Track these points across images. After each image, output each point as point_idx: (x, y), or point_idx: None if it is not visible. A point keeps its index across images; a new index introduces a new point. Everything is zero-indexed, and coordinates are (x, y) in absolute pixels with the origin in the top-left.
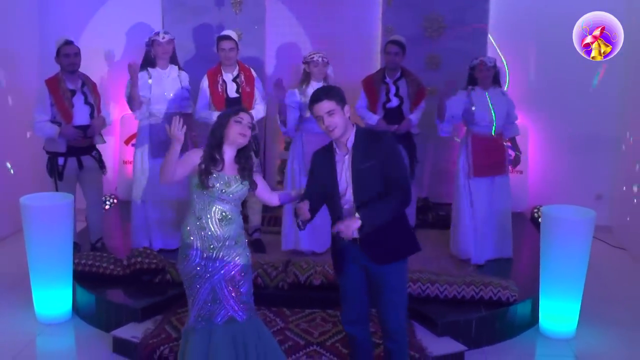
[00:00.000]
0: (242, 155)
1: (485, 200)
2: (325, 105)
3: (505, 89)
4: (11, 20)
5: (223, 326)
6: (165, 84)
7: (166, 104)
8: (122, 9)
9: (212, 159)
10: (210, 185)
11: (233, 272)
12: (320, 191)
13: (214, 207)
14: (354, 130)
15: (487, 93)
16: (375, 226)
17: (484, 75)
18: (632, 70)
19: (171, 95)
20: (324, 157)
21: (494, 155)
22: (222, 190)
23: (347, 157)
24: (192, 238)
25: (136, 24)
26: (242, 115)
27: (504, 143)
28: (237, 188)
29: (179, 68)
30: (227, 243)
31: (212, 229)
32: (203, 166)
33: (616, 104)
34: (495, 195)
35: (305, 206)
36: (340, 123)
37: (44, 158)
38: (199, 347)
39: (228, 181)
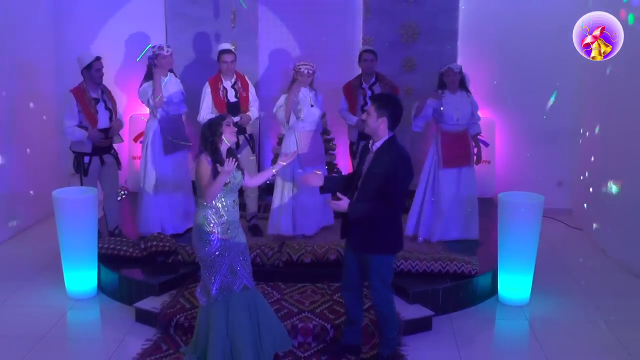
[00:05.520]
0: (230, 149)
1: (452, 188)
2: (368, 105)
3: (470, 94)
4: (29, 31)
5: (239, 294)
6: (168, 90)
7: (169, 106)
8: (129, 19)
9: (221, 163)
10: (227, 182)
11: (242, 247)
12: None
13: (228, 198)
14: (385, 138)
15: (450, 95)
16: (357, 216)
17: (451, 80)
18: (587, 67)
19: (173, 99)
20: (365, 152)
21: (461, 149)
22: (233, 183)
23: (371, 156)
24: (212, 226)
25: (141, 33)
26: (229, 119)
27: (470, 139)
28: (239, 177)
29: (175, 75)
30: (236, 224)
31: (229, 216)
32: (215, 170)
33: (573, 99)
34: (461, 184)
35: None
36: (370, 124)
37: (62, 157)
38: (220, 315)
39: (234, 175)
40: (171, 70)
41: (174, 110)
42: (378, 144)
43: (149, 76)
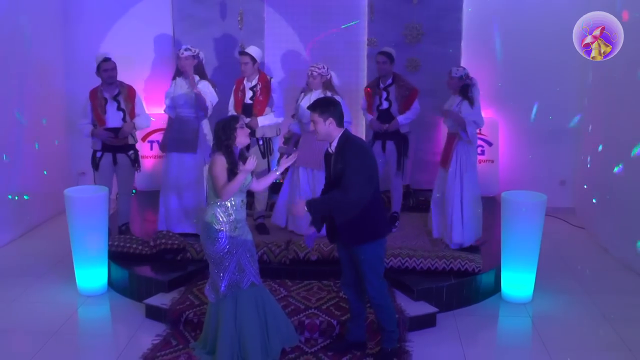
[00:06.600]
0: (243, 151)
1: (440, 187)
2: (310, 114)
3: (467, 101)
4: (38, 32)
5: (247, 290)
6: (181, 92)
7: (182, 109)
8: (137, 20)
9: (235, 163)
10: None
11: (249, 244)
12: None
13: (237, 198)
14: (339, 136)
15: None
16: (318, 213)
17: (449, 83)
18: (590, 67)
19: (177, 101)
20: (327, 156)
21: (444, 151)
22: (244, 184)
23: (332, 158)
24: (221, 224)
25: (149, 34)
26: (242, 121)
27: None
28: (249, 178)
29: (202, 79)
30: (243, 222)
31: (237, 214)
32: (230, 170)
33: (576, 99)
34: (447, 186)
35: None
36: (320, 131)
37: (71, 157)
38: (228, 311)
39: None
40: (200, 73)
41: (180, 113)
42: (335, 144)
43: (175, 75)
